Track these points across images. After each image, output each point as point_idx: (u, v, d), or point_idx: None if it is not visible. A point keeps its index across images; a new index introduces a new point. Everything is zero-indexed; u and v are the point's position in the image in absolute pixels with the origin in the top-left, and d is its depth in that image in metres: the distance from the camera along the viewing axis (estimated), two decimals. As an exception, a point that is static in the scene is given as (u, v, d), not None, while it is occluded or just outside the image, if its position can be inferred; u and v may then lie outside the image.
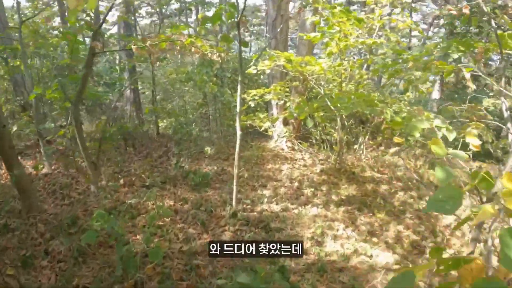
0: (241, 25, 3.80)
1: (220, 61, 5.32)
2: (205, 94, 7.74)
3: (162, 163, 6.43)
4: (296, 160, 6.93)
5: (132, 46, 3.71)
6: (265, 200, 4.87)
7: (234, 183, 4.34)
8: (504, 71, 3.11)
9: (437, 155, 1.84)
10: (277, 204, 4.81)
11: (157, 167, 6.17)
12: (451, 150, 2.00)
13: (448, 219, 4.87)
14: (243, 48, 4.53)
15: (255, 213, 4.50)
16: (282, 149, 7.54)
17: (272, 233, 4.06)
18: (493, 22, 2.90)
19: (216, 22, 3.69)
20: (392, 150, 5.01)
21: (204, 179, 5.17)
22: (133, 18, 10.12)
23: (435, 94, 10.87)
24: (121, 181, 5.29)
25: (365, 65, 5.93)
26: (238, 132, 4.25)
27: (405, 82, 4.92)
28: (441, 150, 1.86)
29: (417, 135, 3.45)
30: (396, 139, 2.91)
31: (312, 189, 5.31)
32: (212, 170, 5.99)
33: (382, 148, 8.50)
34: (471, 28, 9.27)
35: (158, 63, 8.11)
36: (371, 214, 4.66)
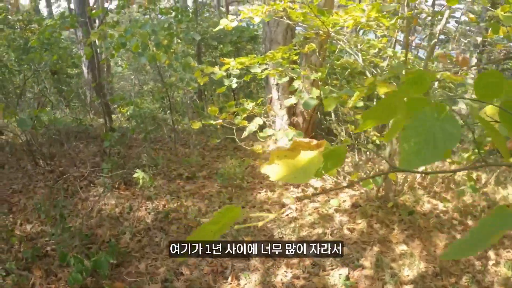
0: None
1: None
2: (160, 70, 4.81)
3: (75, 195, 3.60)
4: (307, 177, 4.15)
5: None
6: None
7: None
8: None
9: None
10: None
11: (57, 206, 3.35)
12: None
13: None
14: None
15: None
16: (285, 155, 4.74)
17: None
18: None
19: None
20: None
21: (101, 268, 2.30)
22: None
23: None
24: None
25: None
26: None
27: None
28: None
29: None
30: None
31: (346, 270, 2.57)
32: (146, 214, 3.21)
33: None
34: None
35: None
36: None
